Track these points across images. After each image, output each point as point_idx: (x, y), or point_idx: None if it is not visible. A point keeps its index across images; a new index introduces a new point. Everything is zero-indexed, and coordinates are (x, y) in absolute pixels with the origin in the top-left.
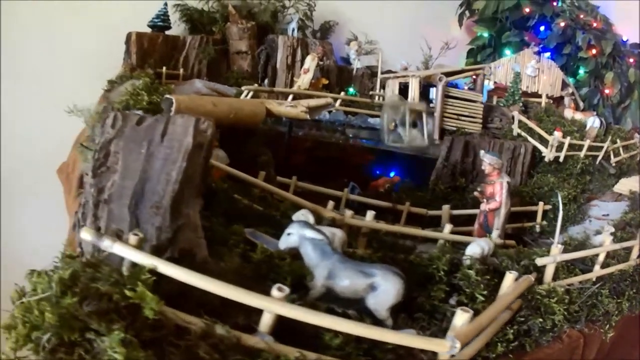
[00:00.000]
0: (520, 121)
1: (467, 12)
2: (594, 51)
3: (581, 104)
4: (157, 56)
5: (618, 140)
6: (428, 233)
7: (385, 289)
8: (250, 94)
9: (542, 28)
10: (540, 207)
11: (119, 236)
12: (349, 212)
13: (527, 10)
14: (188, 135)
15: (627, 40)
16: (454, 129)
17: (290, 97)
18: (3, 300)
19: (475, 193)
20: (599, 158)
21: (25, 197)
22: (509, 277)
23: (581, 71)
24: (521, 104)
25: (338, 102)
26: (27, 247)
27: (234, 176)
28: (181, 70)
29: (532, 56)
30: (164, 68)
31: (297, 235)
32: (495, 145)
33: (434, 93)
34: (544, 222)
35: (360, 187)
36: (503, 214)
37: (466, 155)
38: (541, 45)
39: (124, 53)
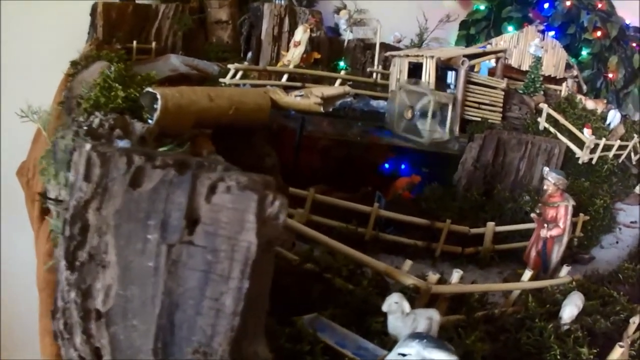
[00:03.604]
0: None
1: None
2: (599, 33)
3: (584, 87)
4: (126, 28)
5: (635, 136)
6: (509, 286)
7: None
8: (240, 73)
9: (546, 5)
10: (581, 219)
11: None
12: (433, 277)
13: None
14: (247, 229)
15: (629, 23)
16: (477, 119)
17: (285, 77)
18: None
19: (533, 215)
20: (622, 157)
21: None
22: (618, 352)
23: (584, 53)
24: (542, 92)
25: (338, 81)
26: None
27: None
28: (154, 44)
29: (536, 34)
30: (135, 42)
31: (418, 357)
32: (534, 146)
33: (451, 77)
34: (581, 234)
35: (380, 190)
36: (565, 242)
37: (497, 154)
38: (545, 24)
39: (89, 27)
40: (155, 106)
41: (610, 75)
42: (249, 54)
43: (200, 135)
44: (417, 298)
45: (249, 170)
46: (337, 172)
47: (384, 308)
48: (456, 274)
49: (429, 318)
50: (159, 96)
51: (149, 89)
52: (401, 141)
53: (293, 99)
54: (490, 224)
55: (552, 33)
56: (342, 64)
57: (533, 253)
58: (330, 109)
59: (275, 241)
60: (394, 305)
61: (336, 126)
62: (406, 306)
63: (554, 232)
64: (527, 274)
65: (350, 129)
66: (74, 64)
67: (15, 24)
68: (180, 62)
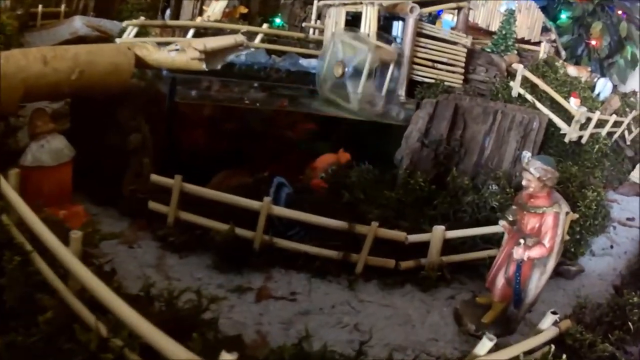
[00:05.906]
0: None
1: None
2: None
3: (563, 53)
4: None
5: (628, 110)
6: None
7: None
8: (134, 31)
9: None
10: (569, 217)
11: None
12: None
13: None
14: None
15: None
16: (430, 80)
17: (191, 32)
18: None
19: (503, 224)
20: (616, 135)
21: None
22: None
23: (564, 16)
24: (515, 51)
25: (259, 37)
26: None
27: None
28: (63, 7)
29: None
30: (40, 7)
31: None
32: (505, 117)
33: (398, 29)
34: (567, 238)
35: (295, 171)
36: (551, 268)
37: (454, 126)
38: None
39: None
40: None
41: (594, 43)
42: (168, 11)
43: (39, 110)
44: None
45: (110, 152)
46: (233, 152)
47: None
48: None
49: None
50: None
51: None
52: (322, 108)
53: (166, 55)
54: (439, 229)
55: None
56: (277, 20)
57: (501, 279)
58: (219, 66)
59: None
60: None
61: (231, 89)
62: None
63: (535, 252)
64: (485, 344)
65: (247, 92)
66: None
67: None
68: (82, 24)
